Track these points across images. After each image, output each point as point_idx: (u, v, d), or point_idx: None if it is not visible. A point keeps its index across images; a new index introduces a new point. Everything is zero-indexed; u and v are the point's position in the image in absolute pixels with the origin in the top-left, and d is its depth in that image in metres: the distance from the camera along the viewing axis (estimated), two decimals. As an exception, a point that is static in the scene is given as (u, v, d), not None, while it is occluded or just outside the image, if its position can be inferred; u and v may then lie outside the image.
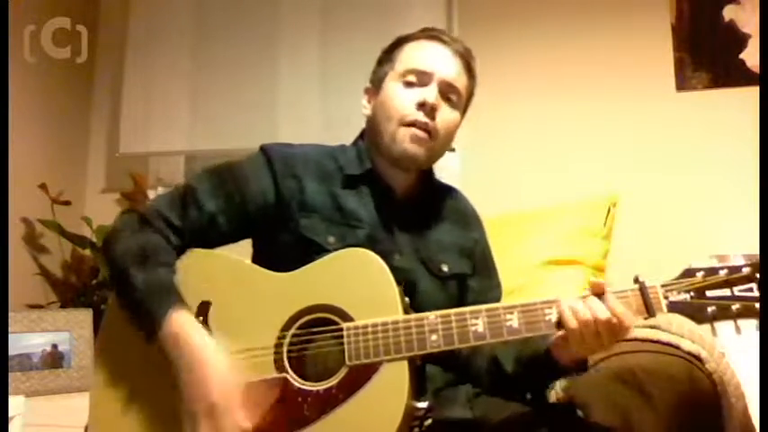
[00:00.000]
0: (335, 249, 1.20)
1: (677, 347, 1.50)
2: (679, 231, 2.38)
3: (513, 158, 2.58)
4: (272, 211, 1.25)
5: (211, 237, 1.23)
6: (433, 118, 1.24)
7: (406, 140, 1.24)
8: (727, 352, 1.52)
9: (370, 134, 1.32)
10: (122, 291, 1.15)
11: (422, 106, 1.23)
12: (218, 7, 2.89)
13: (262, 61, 2.80)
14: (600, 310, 1.04)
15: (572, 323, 1.05)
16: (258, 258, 1.29)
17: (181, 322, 1.08)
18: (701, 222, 2.37)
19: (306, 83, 2.75)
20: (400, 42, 1.32)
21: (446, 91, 1.27)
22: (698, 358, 1.49)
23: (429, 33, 1.31)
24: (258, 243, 1.31)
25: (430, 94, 1.24)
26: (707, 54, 2.48)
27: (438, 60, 1.27)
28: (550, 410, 1.18)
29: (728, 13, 2.47)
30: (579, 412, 1.23)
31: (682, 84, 2.49)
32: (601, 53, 2.60)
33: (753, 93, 2.21)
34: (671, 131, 2.48)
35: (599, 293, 1.06)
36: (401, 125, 1.24)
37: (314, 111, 2.72)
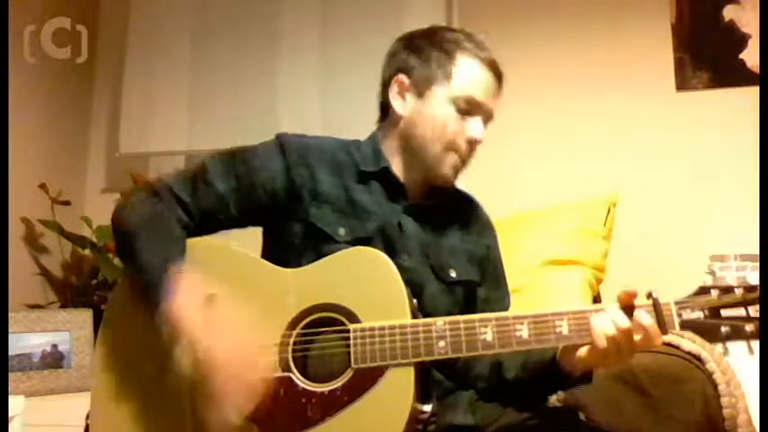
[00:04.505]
0: (345, 242, 1.20)
1: (677, 347, 1.51)
2: (679, 231, 2.38)
3: (513, 158, 2.58)
4: (282, 198, 1.24)
5: (220, 218, 1.23)
6: (474, 149, 1.27)
7: (449, 168, 1.26)
8: (739, 375, 1.51)
9: (402, 137, 1.29)
10: (128, 258, 1.17)
11: (471, 142, 1.25)
12: (218, 7, 2.89)
13: (262, 61, 2.79)
14: (626, 325, 1.03)
15: (601, 342, 1.03)
16: (267, 249, 1.29)
17: (182, 304, 1.06)
18: (701, 222, 2.37)
19: (306, 83, 2.75)
20: (451, 48, 1.26)
21: (486, 120, 1.28)
22: (698, 358, 1.49)
23: (484, 57, 1.26)
24: (268, 232, 1.30)
25: (480, 131, 1.25)
26: (707, 54, 2.48)
27: (491, 94, 1.27)
28: (552, 413, 1.17)
29: (728, 13, 2.47)
30: (581, 414, 1.23)
31: (682, 84, 2.50)
32: (601, 53, 2.60)
33: (753, 93, 2.21)
34: (671, 131, 2.48)
35: (628, 306, 1.05)
36: (447, 150, 1.25)
37: (314, 111, 2.72)
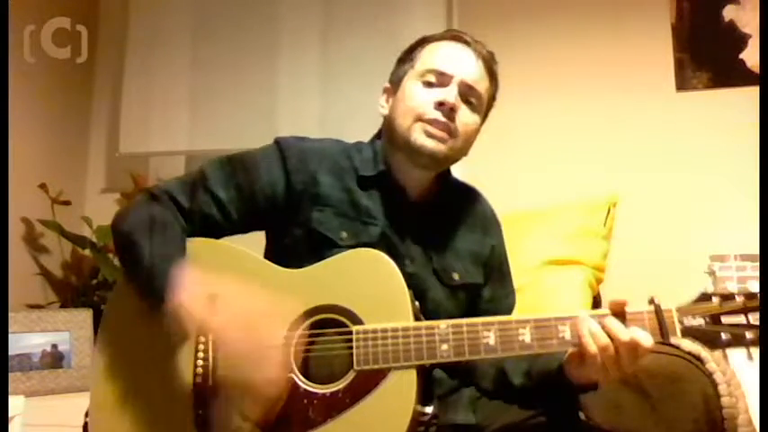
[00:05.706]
0: (348, 246, 1.19)
1: (677, 347, 1.51)
2: (679, 231, 2.38)
3: (514, 158, 2.58)
4: (282, 203, 1.23)
5: (219, 225, 1.23)
6: (452, 119, 1.22)
7: (422, 135, 1.22)
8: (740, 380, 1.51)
9: (387, 132, 1.29)
10: (129, 260, 1.16)
11: (441, 105, 1.21)
12: (218, 7, 2.89)
13: (262, 61, 2.79)
14: (621, 333, 1.02)
15: (591, 348, 1.03)
16: (270, 253, 1.28)
17: (187, 300, 1.06)
18: (701, 222, 2.37)
19: (306, 83, 2.75)
20: (422, 42, 1.30)
21: (466, 93, 1.25)
22: (698, 358, 1.49)
23: (452, 34, 1.29)
24: (270, 237, 1.30)
25: (449, 94, 1.22)
26: (707, 54, 2.48)
27: (459, 61, 1.25)
28: (552, 413, 1.17)
29: (728, 13, 2.47)
30: (581, 414, 1.23)
31: (682, 84, 2.49)
32: (601, 53, 2.60)
33: (753, 93, 2.21)
34: (671, 131, 2.48)
35: (619, 314, 1.04)
36: (417, 121, 1.22)
37: (314, 111, 2.72)
